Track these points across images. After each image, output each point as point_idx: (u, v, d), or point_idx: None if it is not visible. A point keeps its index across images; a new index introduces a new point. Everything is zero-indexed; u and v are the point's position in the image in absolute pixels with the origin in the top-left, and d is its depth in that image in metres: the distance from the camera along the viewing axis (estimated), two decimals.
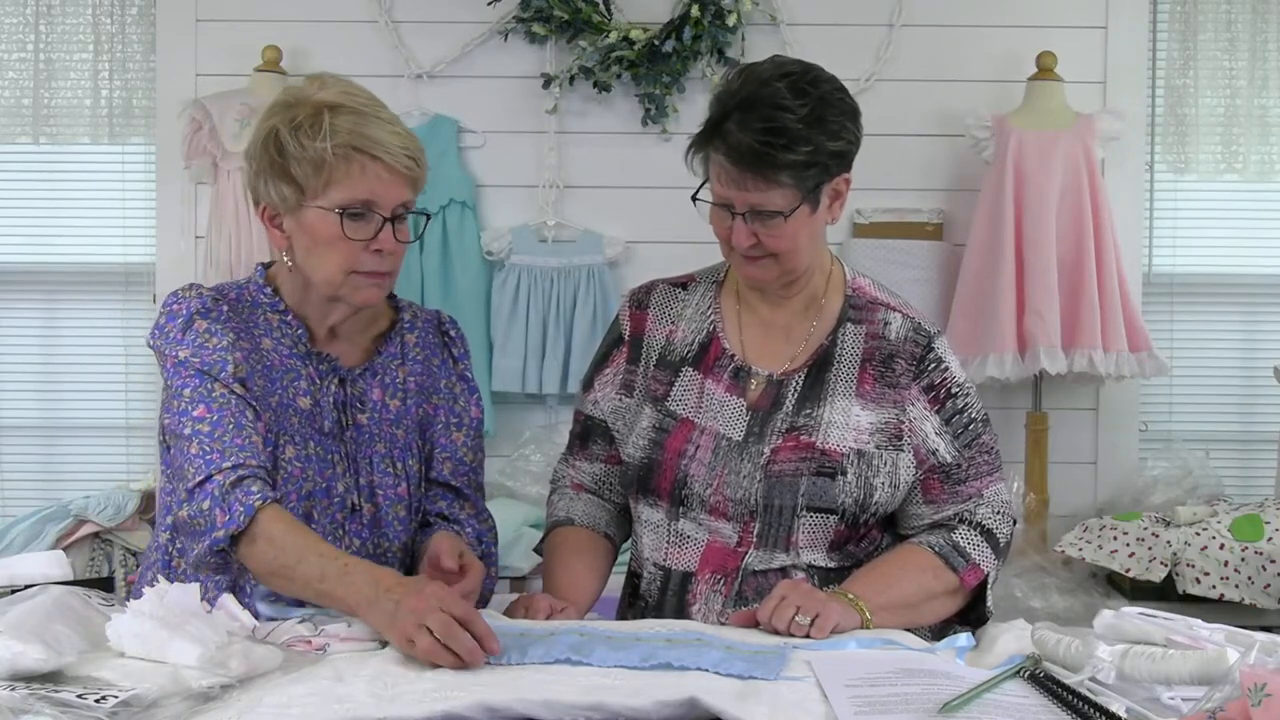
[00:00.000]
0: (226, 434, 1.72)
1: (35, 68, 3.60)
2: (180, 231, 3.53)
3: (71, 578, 1.70)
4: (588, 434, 2.04)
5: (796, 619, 1.66)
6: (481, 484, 2.02)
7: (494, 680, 1.41)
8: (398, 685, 1.40)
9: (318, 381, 1.87)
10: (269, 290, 1.89)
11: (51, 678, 1.35)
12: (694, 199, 1.89)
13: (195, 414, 1.74)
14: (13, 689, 1.30)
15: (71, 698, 1.29)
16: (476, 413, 2.00)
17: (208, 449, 1.71)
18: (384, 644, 1.59)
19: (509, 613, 1.82)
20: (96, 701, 1.28)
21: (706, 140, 1.84)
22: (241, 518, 1.65)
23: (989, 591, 1.91)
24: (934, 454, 1.89)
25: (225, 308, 1.84)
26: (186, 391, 1.77)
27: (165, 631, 1.43)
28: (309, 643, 1.58)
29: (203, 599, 1.56)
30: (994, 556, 1.89)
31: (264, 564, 1.66)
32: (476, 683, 1.40)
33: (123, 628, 1.45)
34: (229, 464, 1.70)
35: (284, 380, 1.85)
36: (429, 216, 1.91)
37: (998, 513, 1.91)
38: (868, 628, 1.73)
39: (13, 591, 1.60)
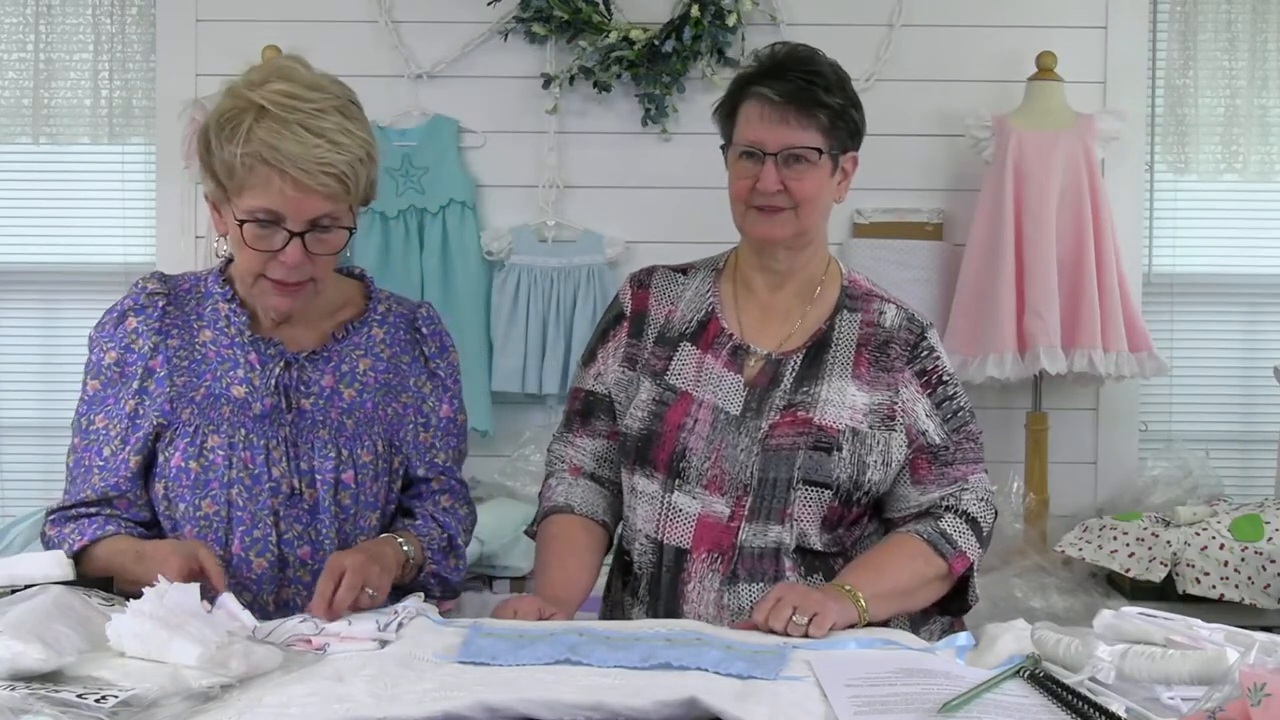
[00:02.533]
0: (83, 468, 1.88)
1: (35, 68, 3.60)
2: (180, 231, 3.52)
3: (72, 578, 1.70)
4: (590, 409, 2.06)
5: (794, 619, 1.68)
6: (460, 479, 2.04)
7: (494, 680, 1.41)
8: (398, 685, 1.40)
9: (258, 368, 1.89)
10: (222, 280, 1.93)
11: (51, 678, 1.36)
12: (723, 147, 1.98)
13: (75, 440, 1.91)
14: (13, 689, 1.30)
15: (71, 698, 1.29)
16: (447, 411, 2.00)
17: (73, 478, 1.90)
18: (384, 644, 1.59)
19: (497, 615, 1.82)
20: (96, 701, 1.28)
21: (740, 94, 1.95)
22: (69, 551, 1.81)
23: (974, 578, 1.96)
24: (924, 434, 1.95)
25: (161, 303, 1.91)
26: (90, 417, 1.90)
27: (165, 631, 1.43)
28: (309, 642, 1.58)
29: (203, 599, 1.57)
30: (978, 544, 1.95)
31: (100, 572, 1.81)
32: (477, 683, 1.40)
33: (123, 628, 1.46)
34: (69, 503, 1.87)
35: (219, 370, 1.89)
36: (352, 231, 1.83)
37: (981, 500, 1.97)
38: (863, 618, 1.77)
39: (13, 591, 1.60)
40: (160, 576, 1.60)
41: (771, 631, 1.69)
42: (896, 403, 1.95)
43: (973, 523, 1.94)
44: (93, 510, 1.86)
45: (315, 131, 1.74)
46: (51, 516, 1.89)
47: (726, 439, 1.91)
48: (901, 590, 1.87)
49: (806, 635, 1.67)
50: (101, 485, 1.86)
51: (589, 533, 2.02)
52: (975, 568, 1.96)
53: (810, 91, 1.90)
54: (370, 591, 1.72)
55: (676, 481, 1.93)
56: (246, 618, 1.61)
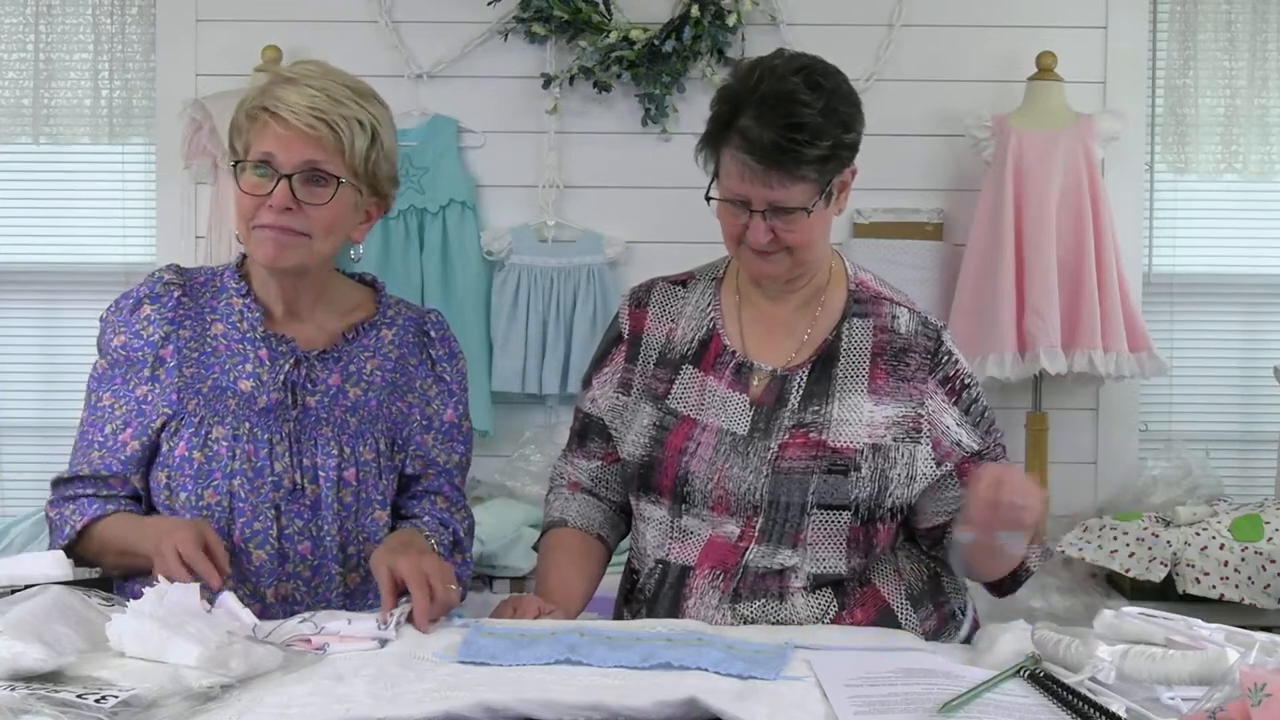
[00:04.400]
0: (85, 441, 1.91)
1: (35, 68, 3.60)
2: (180, 231, 3.53)
3: (71, 578, 1.70)
4: (586, 431, 2.04)
5: (1015, 503, 1.69)
6: (458, 485, 2.03)
7: (494, 680, 1.41)
8: (398, 685, 1.40)
9: (268, 363, 1.91)
10: (239, 275, 1.96)
11: (51, 678, 1.36)
12: (708, 198, 1.88)
13: (83, 414, 1.93)
14: (13, 689, 1.30)
15: (71, 698, 1.29)
16: (451, 416, 2.01)
17: (76, 449, 1.92)
18: (383, 643, 1.59)
19: (497, 614, 1.82)
20: (96, 701, 1.28)
21: (720, 136, 1.83)
22: (69, 533, 1.85)
23: (1030, 557, 1.93)
24: (959, 445, 1.90)
25: (177, 293, 1.94)
26: (99, 393, 1.93)
27: (165, 631, 1.43)
28: (309, 642, 1.58)
29: (202, 596, 1.57)
30: None
31: (99, 554, 1.86)
32: (477, 683, 1.40)
33: (123, 628, 1.46)
34: (68, 476, 1.90)
35: (228, 364, 1.91)
36: (338, 180, 1.85)
37: None
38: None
39: (13, 591, 1.60)
40: (160, 576, 1.61)
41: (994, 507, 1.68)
42: (922, 414, 1.88)
43: None
44: (89, 491, 1.89)
45: (318, 88, 1.85)
46: (51, 497, 1.92)
47: (732, 460, 1.87)
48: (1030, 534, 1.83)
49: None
50: (99, 463, 1.89)
51: (584, 544, 2.01)
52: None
53: (793, 152, 1.77)
54: (452, 586, 1.74)
55: (683, 506, 1.89)
56: (246, 616, 1.61)
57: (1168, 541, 3.02)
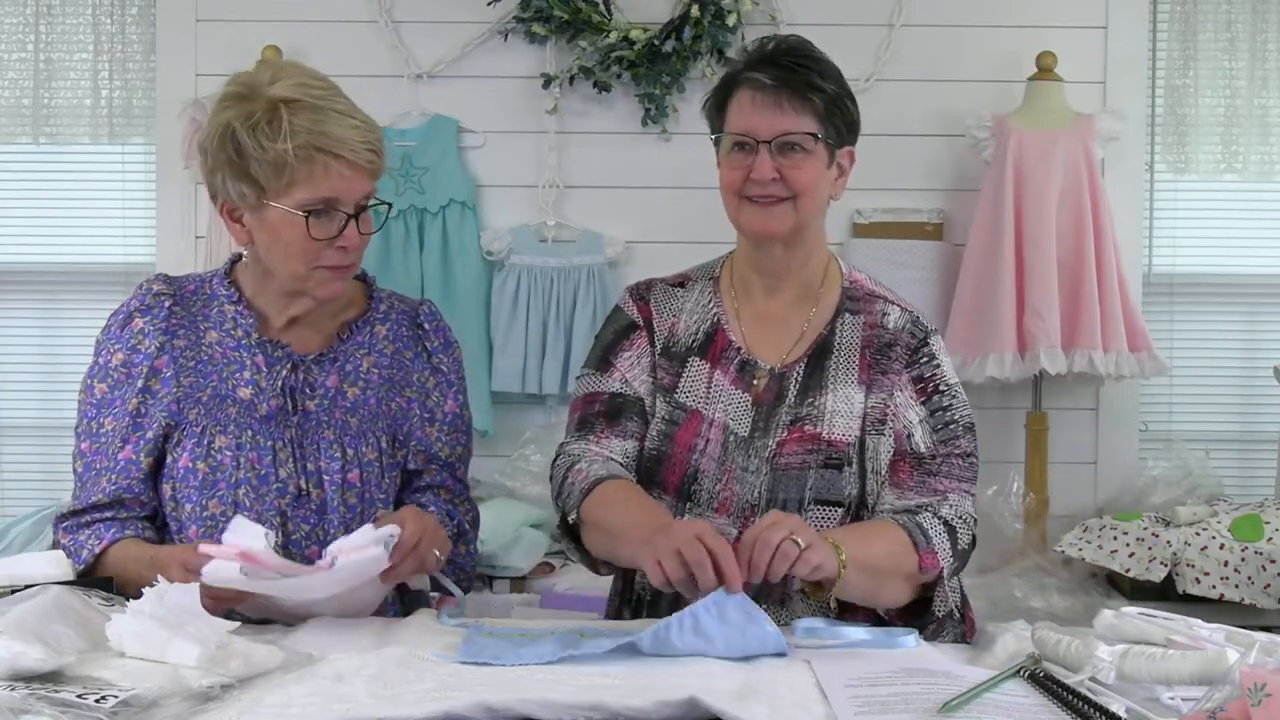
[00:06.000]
0: (93, 471, 1.88)
1: (35, 68, 3.60)
2: (180, 231, 3.53)
3: (71, 578, 1.71)
4: (619, 411, 1.94)
5: (789, 540, 1.59)
6: (460, 476, 2.03)
7: (494, 680, 1.42)
8: (398, 685, 1.40)
9: (265, 370, 1.90)
10: (228, 283, 1.95)
11: (51, 678, 1.36)
12: (715, 137, 1.92)
13: (82, 445, 1.90)
14: (13, 689, 1.30)
15: (71, 698, 1.29)
16: (452, 406, 2.00)
17: (83, 481, 1.90)
18: (388, 546, 1.64)
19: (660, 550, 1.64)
20: (96, 701, 1.28)
21: (730, 85, 1.91)
22: (86, 557, 1.83)
23: (938, 592, 1.83)
24: (909, 439, 1.87)
25: (168, 303, 1.92)
26: (99, 420, 1.89)
27: (165, 631, 1.43)
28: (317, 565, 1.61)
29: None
30: (951, 554, 1.81)
31: (113, 575, 1.82)
32: (477, 683, 1.40)
33: (123, 628, 1.46)
34: (80, 507, 1.88)
35: (225, 372, 1.90)
36: (390, 205, 1.92)
37: (960, 518, 1.85)
38: (840, 578, 1.66)
39: (13, 591, 1.60)
40: (160, 577, 1.60)
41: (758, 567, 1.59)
42: (889, 406, 1.88)
43: (950, 530, 1.82)
44: (106, 515, 1.86)
45: (346, 114, 1.82)
46: (64, 524, 1.88)
47: (737, 461, 1.87)
48: (877, 570, 1.73)
49: (786, 576, 1.59)
50: (113, 488, 1.86)
51: (638, 488, 1.88)
52: (945, 577, 1.81)
53: (804, 75, 1.86)
54: (436, 552, 1.76)
55: (687, 505, 1.88)
56: (258, 532, 1.64)
57: (1168, 541, 3.02)
